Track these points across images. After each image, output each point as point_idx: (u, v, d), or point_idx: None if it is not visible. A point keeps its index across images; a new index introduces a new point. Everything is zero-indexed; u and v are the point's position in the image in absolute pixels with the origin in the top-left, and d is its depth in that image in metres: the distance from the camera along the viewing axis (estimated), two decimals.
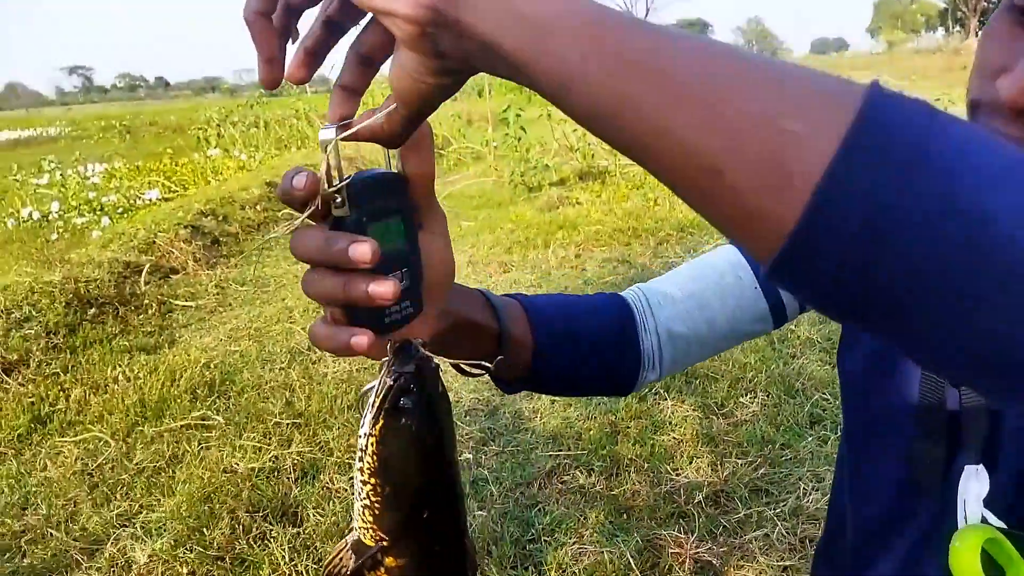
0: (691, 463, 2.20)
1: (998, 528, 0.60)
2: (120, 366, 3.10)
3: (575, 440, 2.34)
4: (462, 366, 0.69)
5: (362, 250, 0.46)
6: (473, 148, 8.79)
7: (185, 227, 4.84)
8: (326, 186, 0.49)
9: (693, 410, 2.50)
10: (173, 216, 5.04)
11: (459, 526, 0.61)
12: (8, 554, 2.00)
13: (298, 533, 1.97)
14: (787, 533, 1.87)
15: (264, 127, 9.44)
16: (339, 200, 0.48)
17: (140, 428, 2.62)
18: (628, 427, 2.40)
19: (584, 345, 0.75)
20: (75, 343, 3.28)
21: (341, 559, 0.57)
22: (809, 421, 2.39)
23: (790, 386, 2.60)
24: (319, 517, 2.03)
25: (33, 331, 3.14)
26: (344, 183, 0.49)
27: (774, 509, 1.96)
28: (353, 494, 0.57)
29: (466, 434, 2.45)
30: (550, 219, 5.33)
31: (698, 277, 0.79)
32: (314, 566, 1.84)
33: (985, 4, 43.77)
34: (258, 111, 10.06)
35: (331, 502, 2.10)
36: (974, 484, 0.62)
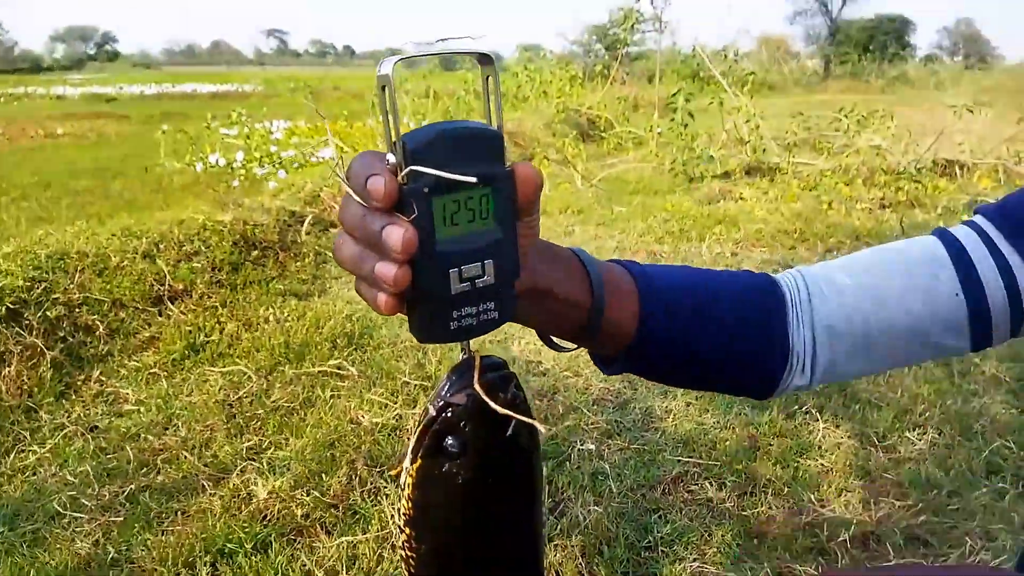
0: (840, 496, 1.97)
1: None
2: (273, 307, 3.24)
3: (708, 449, 2.17)
4: (553, 340, 0.61)
5: (394, 237, 0.38)
6: (635, 133, 8.55)
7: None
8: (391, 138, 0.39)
9: (848, 437, 2.24)
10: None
11: None
12: (145, 469, 2.12)
13: None
14: None
15: (433, 97, 9.65)
16: (393, 162, 0.38)
17: (281, 368, 2.71)
18: (770, 444, 2.19)
19: (712, 328, 0.61)
20: (236, 281, 3.46)
21: None
22: (986, 470, 2.08)
23: (967, 427, 2.28)
24: None
25: (200, 265, 3.34)
26: (400, 141, 0.38)
27: (932, 562, 1.70)
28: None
29: (591, 423, 2.34)
30: (708, 212, 5.06)
31: (879, 267, 0.63)
32: None
33: None
34: (430, 80, 10.33)
35: None
36: None
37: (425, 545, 0.44)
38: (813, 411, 2.35)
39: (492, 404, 0.42)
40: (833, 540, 1.78)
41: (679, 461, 2.11)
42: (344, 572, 1.68)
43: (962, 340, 0.61)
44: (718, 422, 2.31)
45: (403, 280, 0.39)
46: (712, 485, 2.01)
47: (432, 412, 0.42)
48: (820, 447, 2.19)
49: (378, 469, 2.06)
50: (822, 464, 2.11)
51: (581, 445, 2.19)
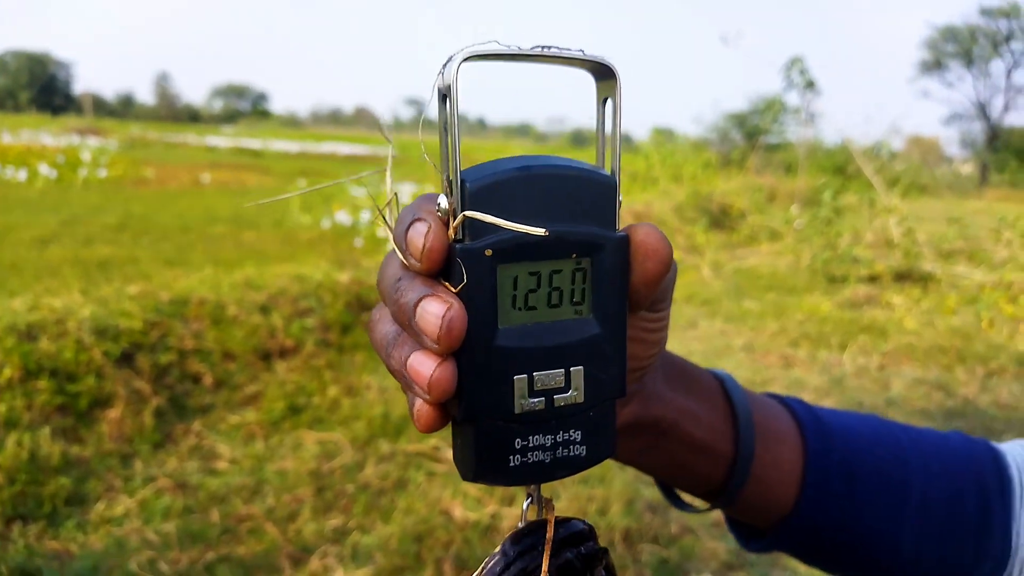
0: None
1: None
2: (377, 375, 3.16)
3: None
4: (677, 495, 0.45)
5: (431, 314, 0.24)
6: (771, 225, 8.19)
7: None
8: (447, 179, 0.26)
9: None
10: None
11: None
12: (227, 535, 2.02)
13: None
14: None
15: None
16: (445, 207, 0.27)
17: (377, 441, 2.59)
18: None
19: (908, 510, 0.45)
20: (344, 342, 3.42)
21: None
22: None
23: None
24: None
25: (312, 323, 3.33)
26: (458, 178, 0.26)
27: None
28: None
29: (708, 550, 2.05)
30: (851, 318, 4.65)
31: None
32: None
33: None
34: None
35: None
36: None
37: None
38: None
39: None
40: None
41: None
42: None
43: None
44: None
45: (443, 383, 0.25)
46: None
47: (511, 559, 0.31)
48: None
49: (465, 573, 1.86)
50: None
51: (697, 575, 1.91)
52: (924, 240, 6.25)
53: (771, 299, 5.23)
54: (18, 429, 2.30)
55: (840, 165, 9.83)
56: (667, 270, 0.28)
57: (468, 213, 0.25)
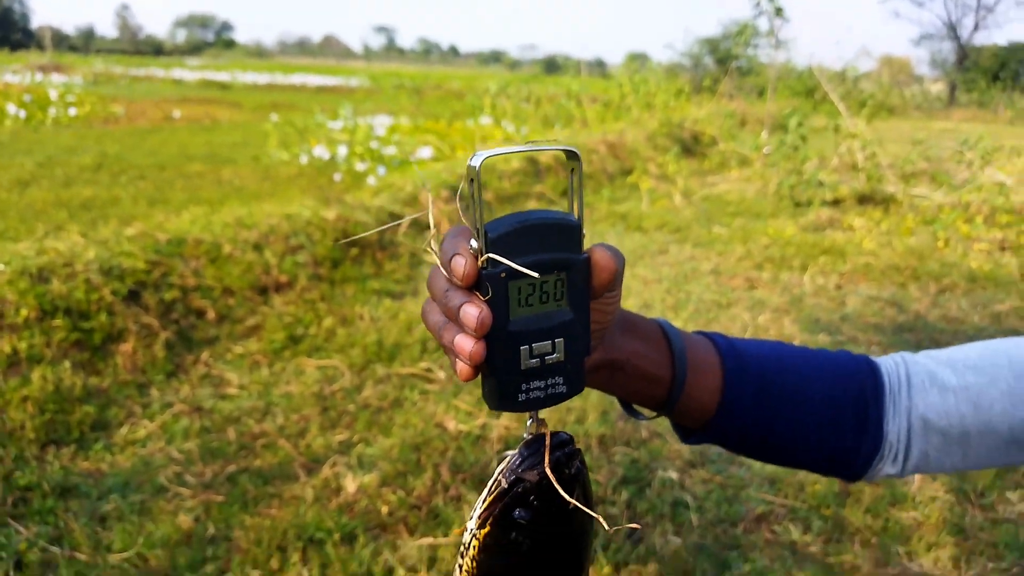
0: (930, 551, 1.88)
1: None
2: (368, 305, 3.36)
3: (796, 490, 2.11)
4: (633, 408, 0.62)
5: (471, 315, 0.40)
6: (740, 151, 8.36)
7: (447, 188, 5.13)
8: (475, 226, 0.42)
9: (945, 492, 2.13)
10: (439, 176, 5.37)
11: None
12: (244, 451, 2.25)
13: None
14: None
15: (535, 102, 9.73)
16: (476, 247, 0.41)
17: (373, 366, 2.81)
18: (862, 492, 2.11)
19: (801, 413, 0.61)
20: (335, 276, 3.61)
21: None
22: None
23: None
24: None
25: (303, 259, 3.50)
26: (482, 229, 0.41)
27: None
28: None
29: (674, 451, 2.32)
30: (814, 241, 4.90)
31: (986, 367, 0.61)
32: None
33: None
34: (533, 86, 10.41)
35: None
36: None
37: None
38: None
39: (561, 491, 0.45)
40: None
41: (764, 500, 2.07)
42: (425, 571, 1.73)
43: None
44: None
45: (477, 356, 0.42)
46: (797, 528, 1.95)
47: (504, 485, 0.45)
48: (914, 499, 2.10)
49: (461, 476, 2.11)
50: (915, 517, 2.02)
51: (663, 472, 2.18)
52: (888, 163, 6.47)
53: (739, 224, 5.45)
54: (41, 364, 2.48)
55: (810, 89, 9.94)
56: (614, 276, 0.45)
57: (491, 256, 0.41)
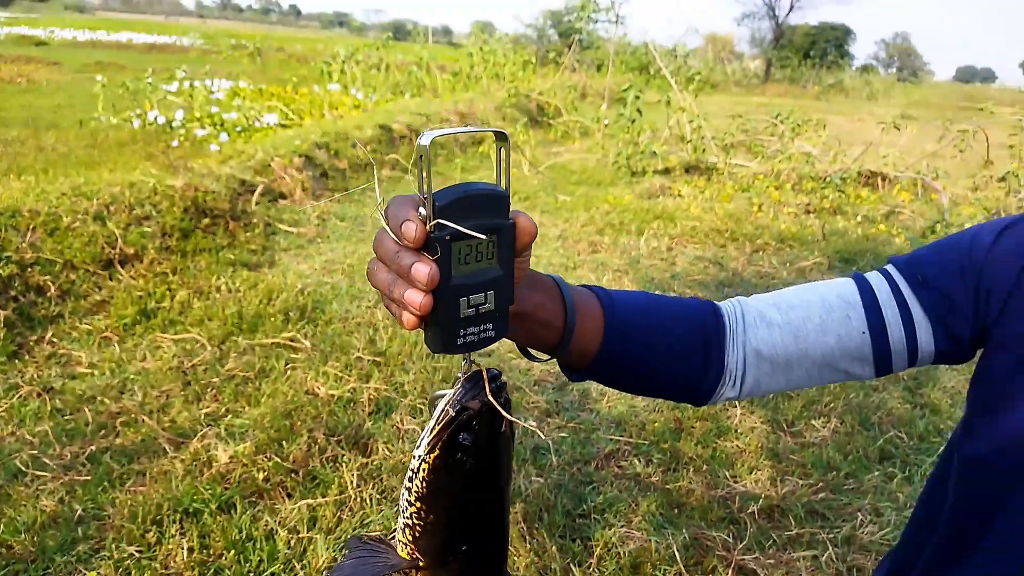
0: (751, 473, 2.21)
1: None
2: (224, 277, 3.30)
3: (638, 429, 2.38)
4: (530, 351, 0.72)
5: (422, 273, 0.48)
6: (583, 122, 8.75)
7: (300, 156, 5.04)
8: (422, 195, 0.48)
9: (761, 423, 2.48)
10: (290, 143, 5.26)
11: (498, 561, 0.61)
12: (104, 431, 2.20)
13: (367, 463, 2.09)
14: (836, 559, 1.86)
15: (385, 70, 9.60)
16: (424, 214, 0.48)
17: (235, 338, 2.80)
18: (693, 427, 2.41)
19: (661, 349, 0.75)
20: (186, 247, 3.50)
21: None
22: (879, 456, 2.35)
23: (866, 418, 2.55)
24: (387, 452, 2.14)
25: (151, 230, 3.37)
26: (431, 199, 0.48)
27: (828, 534, 1.95)
28: (399, 506, 0.57)
29: (532, 402, 2.52)
30: (648, 207, 5.30)
31: (803, 305, 0.77)
32: (378, 495, 1.96)
33: None
34: (382, 53, 10.25)
35: (400, 441, 2.20)
36: None
37: (434, 516, 0.55)
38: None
39: (503, 412, 0.54)
40: (743, 511, 2.01)
41: (611, 440, 2.32)
42: (305, 531, 1.81)
43: (867, 369, 0.76)
44: (648, 405, 2.53)
45: (426, 307, 0.49)
46: (640, 462, 2.22)
47: (452, 413, 0.53)
48: (736, 430, 2.43)
49: (336, 438, 2.19)
50: (737, 445, 2.35)
51: (524, 422, 2.37)
52: (711, 135, 7.05)
53: (582, 192, 5.77)
54: None
55: (644, 64, 10.50)
56: (533, 239, 0.55)
57: (440, 221, 0.48)
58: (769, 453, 2.32)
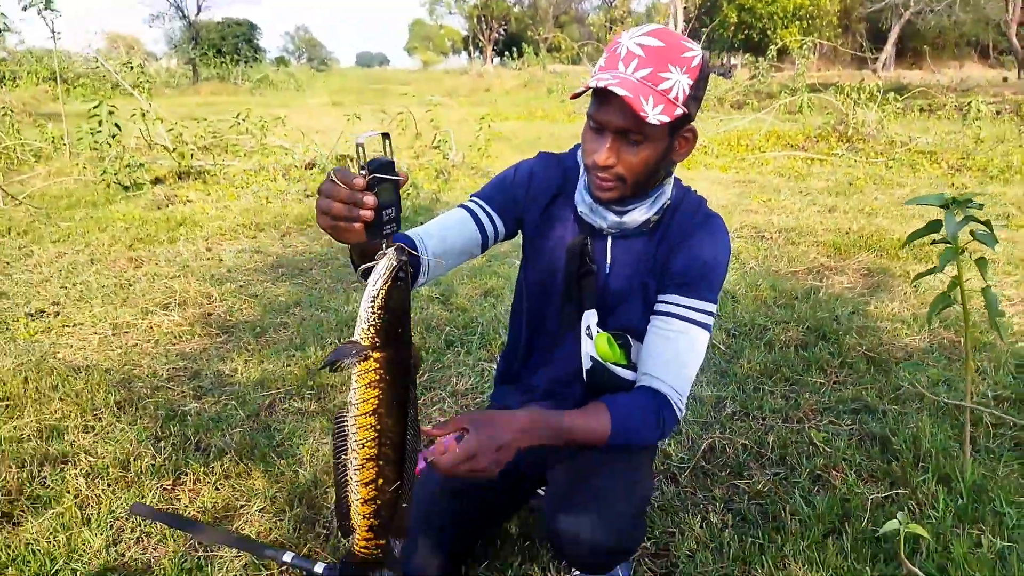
0: None
1: (608, 332, 1.51)
2: None
3: (281, 381, 2.89)
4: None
5: (369, 200, 1.06)
6: (33, 145, 7.98)
7: None
8: (361, 164, 1.10)
9: None
10: None
11: (409, 339, 1.17)
12: None
13: None
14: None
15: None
16: (364, 172, 1.07)
17: None
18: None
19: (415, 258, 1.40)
20: None
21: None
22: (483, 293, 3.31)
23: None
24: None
25: None
26: (368, 164, 1.09)
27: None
28: (360, 317, 1.13)
29: (179, 393, 2.80)
30: (166, 216, 5.47)
31: (445, 224, 1.54)
32: None
33: (497, 36, 51.95)
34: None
35: None
36: (592, 317, 1.52)
37: (386, 315, 1.05)
38: None
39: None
40: None
41: (264, 396, 2.79)
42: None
43: (479, 251, 1.58)
44: (279, 361, 3.04)
45: (369, 216, 1.01)
46: (296, 401, 2.76)
47: (394, 263, 1.04)
48: None
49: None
50: None
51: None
52: (192, 140, 7.30)
53: (83, 215, 5.55)
54: None
55: (54, 73, 9.79)
56: (407, 180, 1.13)
57: (376, 176, 1.02)
58: None
